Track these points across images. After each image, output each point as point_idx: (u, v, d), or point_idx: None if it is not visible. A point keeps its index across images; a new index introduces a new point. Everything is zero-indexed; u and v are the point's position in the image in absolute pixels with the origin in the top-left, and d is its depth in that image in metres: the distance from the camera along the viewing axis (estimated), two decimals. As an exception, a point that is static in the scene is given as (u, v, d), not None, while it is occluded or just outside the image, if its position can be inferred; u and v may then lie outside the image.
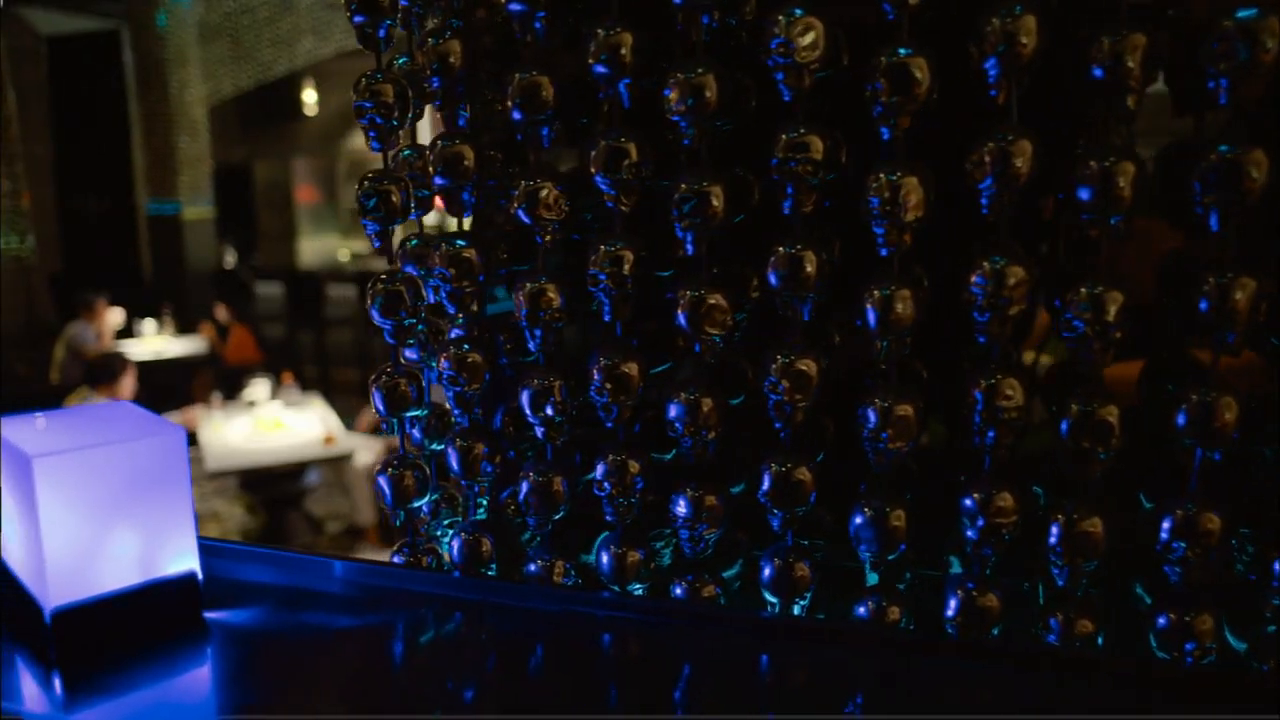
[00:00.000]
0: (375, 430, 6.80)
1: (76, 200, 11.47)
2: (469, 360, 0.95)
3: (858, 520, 0.85)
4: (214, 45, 10.27)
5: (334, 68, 12.00)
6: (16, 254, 9.87)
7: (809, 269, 0.79)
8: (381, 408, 1.01)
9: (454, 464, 0.98)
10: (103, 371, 6.01)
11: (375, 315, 1.00)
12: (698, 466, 0.88)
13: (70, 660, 0.82)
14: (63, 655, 0.82)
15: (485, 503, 1.01)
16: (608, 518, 0.92)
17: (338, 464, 6.30)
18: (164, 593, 0.86)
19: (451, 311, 0.96)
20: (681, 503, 0.89)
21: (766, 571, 0.89)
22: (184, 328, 9.11)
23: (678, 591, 0.93)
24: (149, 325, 8.76)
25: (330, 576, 0.96)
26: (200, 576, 0.88)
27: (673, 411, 0.87)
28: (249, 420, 6.29)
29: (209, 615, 0.90)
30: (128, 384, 6.09)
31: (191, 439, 8.26)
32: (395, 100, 0.96)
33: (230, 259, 11.33)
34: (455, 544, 1.00)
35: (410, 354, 1.04)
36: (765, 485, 0.85)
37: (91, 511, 0.80)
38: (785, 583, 0.88)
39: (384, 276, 1.00)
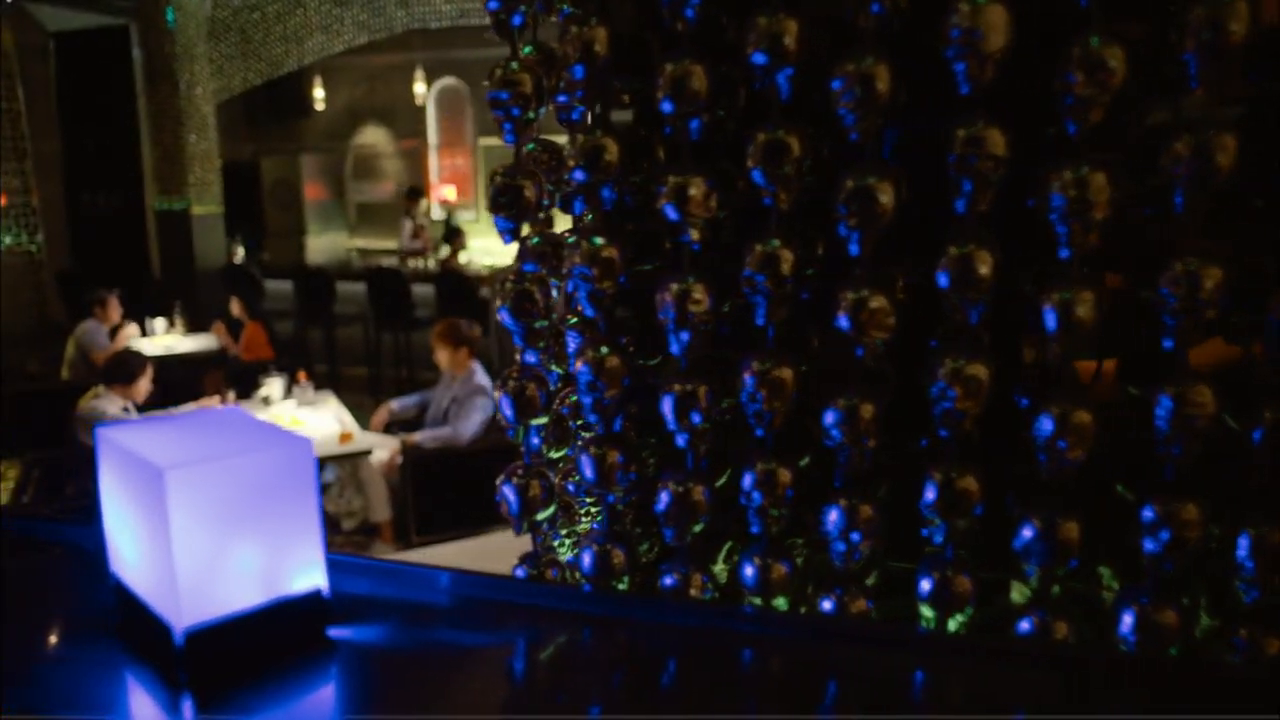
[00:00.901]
0: (387, 428, 6.77)
1: (85, 197, 11.42)
2: (608, 364, 0.91)
3: (1026, 533, 0.81)
4: (223, 42, 10.23)
5: (341, 64, 11.96)
6: (26, 251, 9.83)
7: (983, 270, 0.76)
8: (510, 413, 0.97)
9: (588, 472, 0.94)
10: (120, 370, 5.97)
11: (506, 317, 0.95)
12: (852, 475, 0.84)
13: (200, 683, 0.78)
14: (194, 677, 0.78)
15: (606, 513, 0.97)
16: (753, 529, 0.88)
17: (352, 461, 6.26)
18: (291, 610, 0.82)
19: (591, 314, 0.92)
20: (834, 512, 0.85)
21: (925, 585, 0.85)
22: (194, 325, 9.07)
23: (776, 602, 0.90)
24: (159, 323, 8.71)
25: (453, 591, 0.92)
26: (327, 592, 0.84)
27: (830, 418, 0.83)
28: (264, 418, 6.25)
29: (333, 632, 0.86)
30: (144, 383, 6.05)
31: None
32: (532, 91, 0.91)
33: (240, 254, 11.28)
34: (586, 556, 0.95)
35: (530, 358, 1.00)
36: (930, 495, 0.82)
37: (222, 526, 0.76)
38: (945, 596, 0.84)
39: (514, 276, 0.96)
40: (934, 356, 0.79)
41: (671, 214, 0.83)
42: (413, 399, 6.80)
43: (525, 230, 0.96)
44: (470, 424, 6.21)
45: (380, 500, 6.31)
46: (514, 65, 0.92)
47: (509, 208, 0.93)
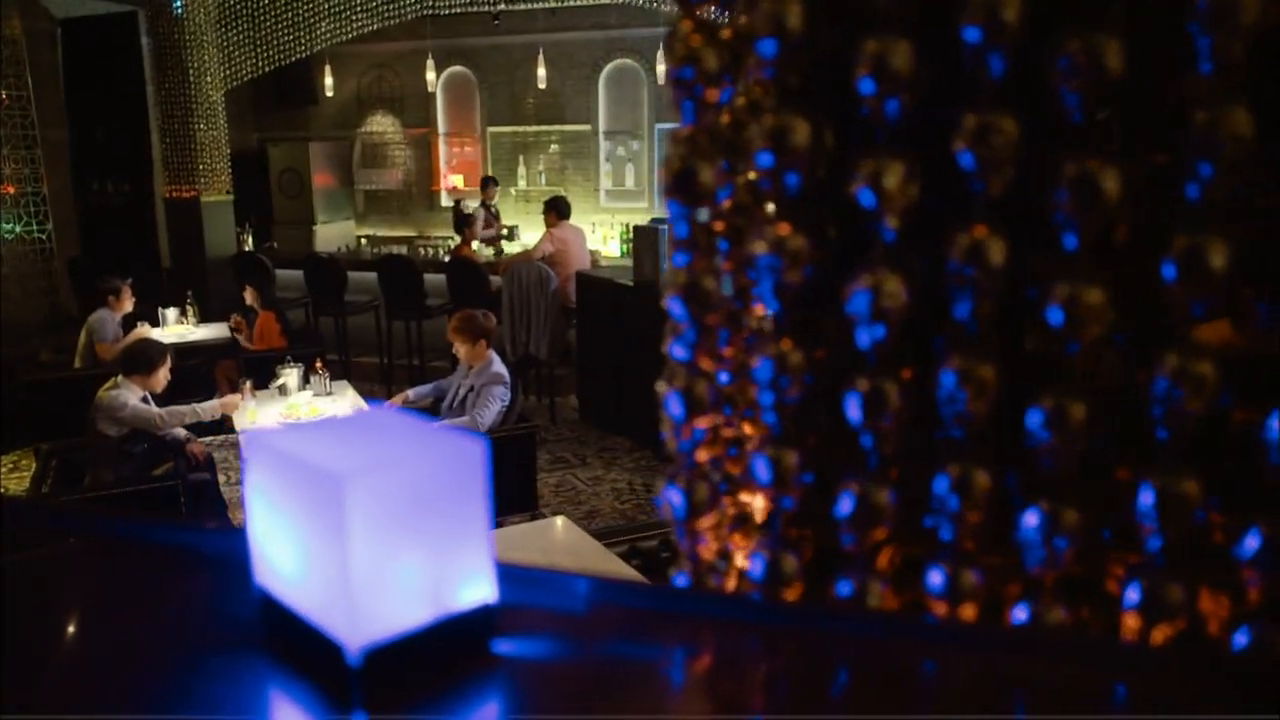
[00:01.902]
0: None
1: (93, 186, 11.38)
2: (791, 361, 0.86)
3: (1252, 543, 0.76)
4: (232, 29, 10.18)
5: (348, 51, 11.91)
6: (36, 240, 9.78)
7: (1217, 263, 0.71)
8: (680, 412, 0.92)
9: (762, 475, 0.89)
10: (139, 359, 5.93)
11: (678, 308, 0.90)
12: (1055, 479, 0.80)
13: (375, 706, 0.73)
14: (370, 700, 0.73)
15: (778, 517, 0.92)
16: (944, 536, 0.83)
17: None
18: (461, 624, 0.77)
19: (774, 308, 0.87)
20: (1033, 516, 0.81)
21: (1132, 595, 0.81)
22: (205, 314, 9.04)
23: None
24: (171, 312, 8.66)
25: (614, 600, 0.87)
26: (495, 604, 0.79)
27: (1035, 419, 0.78)
28: (282, 407, 6.21)
29: (498, 646, 0.81)
30: (163, 373, 6.02)
31: (229, 426, 8.18)
32: (721, 68, 0.86)
33: (249, 242, 11.23)
34: (756, 562, 0.90)
35: (679, 353, 0.94)
36: (1148, 500, 0.77)
37: (398, 537, 0.71)
38: (1157, 606, 0.80)
39: (687, 266, 0.91)
40: (1159, 357, 0.75)
41: (868, 201, 0.78)
42: (428, 387, 6.76)
43: (702, 217, 0.90)
44: (489, 412, 6.17)
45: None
46: (698, 39, 0.86)
47: (686, 192, 0.88)
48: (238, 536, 0.89)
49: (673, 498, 0.93)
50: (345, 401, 6.38)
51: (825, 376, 0.84)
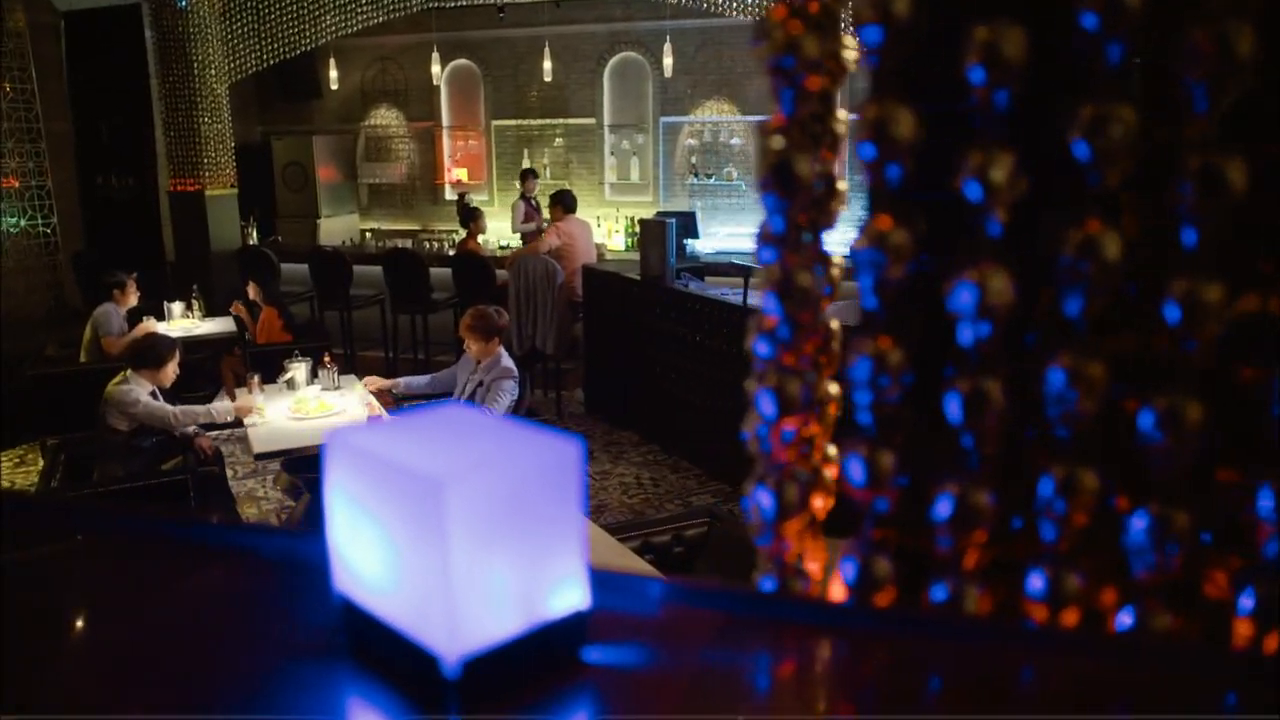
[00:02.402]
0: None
1: (97, 179, 11.34)
2: (891, 359, 0.83)
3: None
4: (236, 22, 10.13)
5: (351, 45, 11.86)
6: (41, 234, 9.75)
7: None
8: (772, 411, 0.89)
9: (857, 476, 0.86)
10: (148, 354, 5.90)
11: (772, 304, 0.87)
12: (1165, 482, 0.77)
13: (469, 717, 0.70)
14: (465, 711, 0.70)
15: (871, 520, 0.89)
16: (1046, 538, 0.81)
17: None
18: (555, 632, 0.74)
19: (873, 304, 0.84)
20: (1141, 519, 0.78)
21: (1246, 602, 0.78)
22: (210, 308, 9.01)
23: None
24: (176, 306, 8.64)
25: (699, 605, 0.84)
26: (588, 611, 0.77)
27: (1147, 420, 0.76)
28: (290, 402, 6.18)
29: (588, 654, 0.79)
30: (172, 367, 5.99)
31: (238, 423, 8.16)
32: (822, 54, 0.83)
33: (254, 236, 11.20)
34: (848, 567, 0.88)
35: (763, 349, 0.92)
36: (1268, 504, 0.75)
37: (497, 543, 0.68)
38: (1269, 613, 0.77)
39: (781, 260, 0.88)
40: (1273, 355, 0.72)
41: (975, 194, 0.76)
42: (423, 379, 6.73)
43: (797, 211, 0.87)
44: (499, 407, 6.14)
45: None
46: (798, 26, 0.83)
47: (782, 185, 0.85)
48: (311, 540, 0.86)
49: (762, 499, 0.90)
50: (354, 396, 6.35)
51: (922, 375, 0.82)
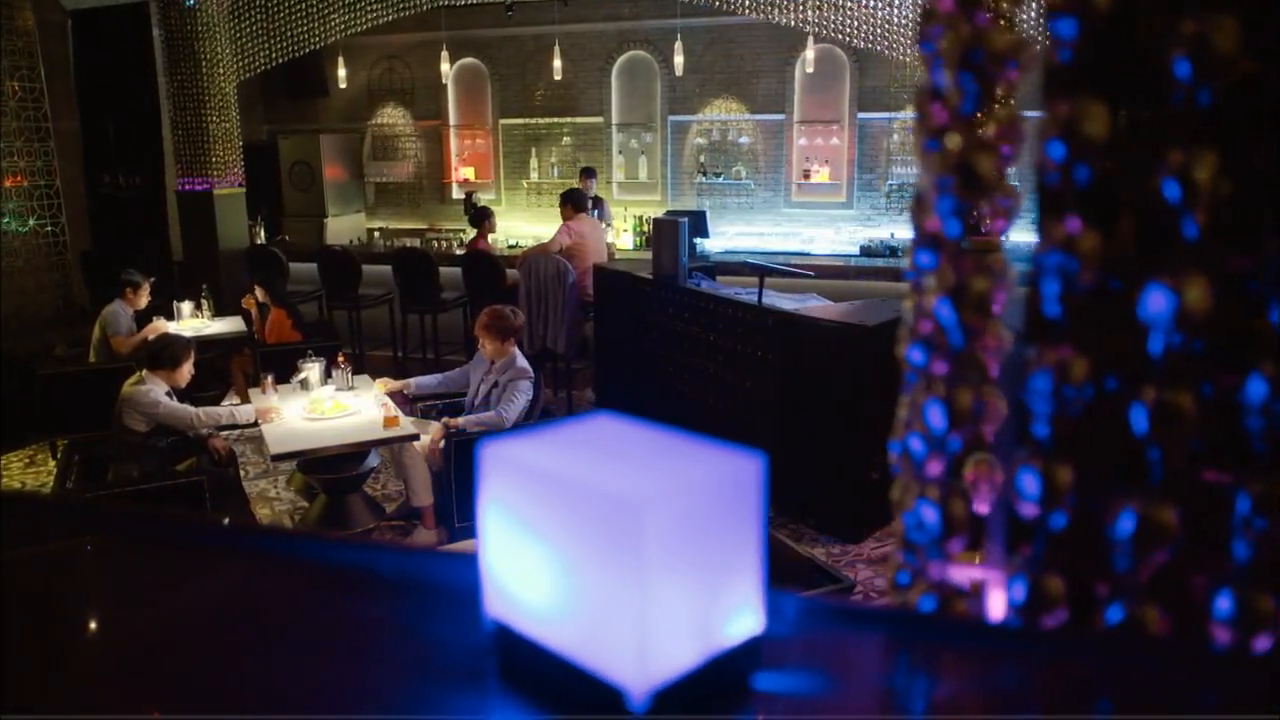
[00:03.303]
0: (424, 413, 6.67)
1: (104, 178, 11.28)
2: (1074, 370, 0.79)
3: None
4: (245, 20, 10.08)
5: (358, 43, 11.81)
6: (49, 233, 9.69)
7: None
8: (940, 423, 0.85)
9: (1030, 490, 0.81)
10: (164, 354, 5.87)
11: (944, 311, 0.83)
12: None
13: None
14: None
15: (1042, 537, 0.84)
16: (1240, 555, 0.77)
17: (391, 446, 6.15)
18: (733, 659, 0.70)
19: (1054, 311, 0.80)
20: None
21: None
22: (219, 308, 8.97)
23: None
24: (186, 306, 8.59)
25: (858, 625, 0.80)
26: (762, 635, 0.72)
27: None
28: (305, 402, 6.13)
29: (760, 681, 0.74)
30: (187, 368, 5.96)
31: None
32: (1010, 50, 0.79)
33: (261, 235, 11.15)
34: (1017, 586, 0.83)
35: (916, 356, 0.87)
36: None
37: (687, 566, 0.64)
38: None
39: (956, 267, 0.83)
40: None
41: (1173, 195, 0.71)
42: (434, 379, 6.69)
43: (978, 214, 0.83)
44: (514, 407, 6.11)
45: (423, 485, 6.21)
46: (983, 20, 0.79)
47: (964, 187, 0.81)
48: (456, 562, 0.82)
49: (927, 515, 0.85)
50: (368, 397, 6.30)
51: (1103, 386, 0.77)
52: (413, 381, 6.62)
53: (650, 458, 0.69)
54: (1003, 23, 0.77)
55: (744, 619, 0.69)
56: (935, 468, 0.86)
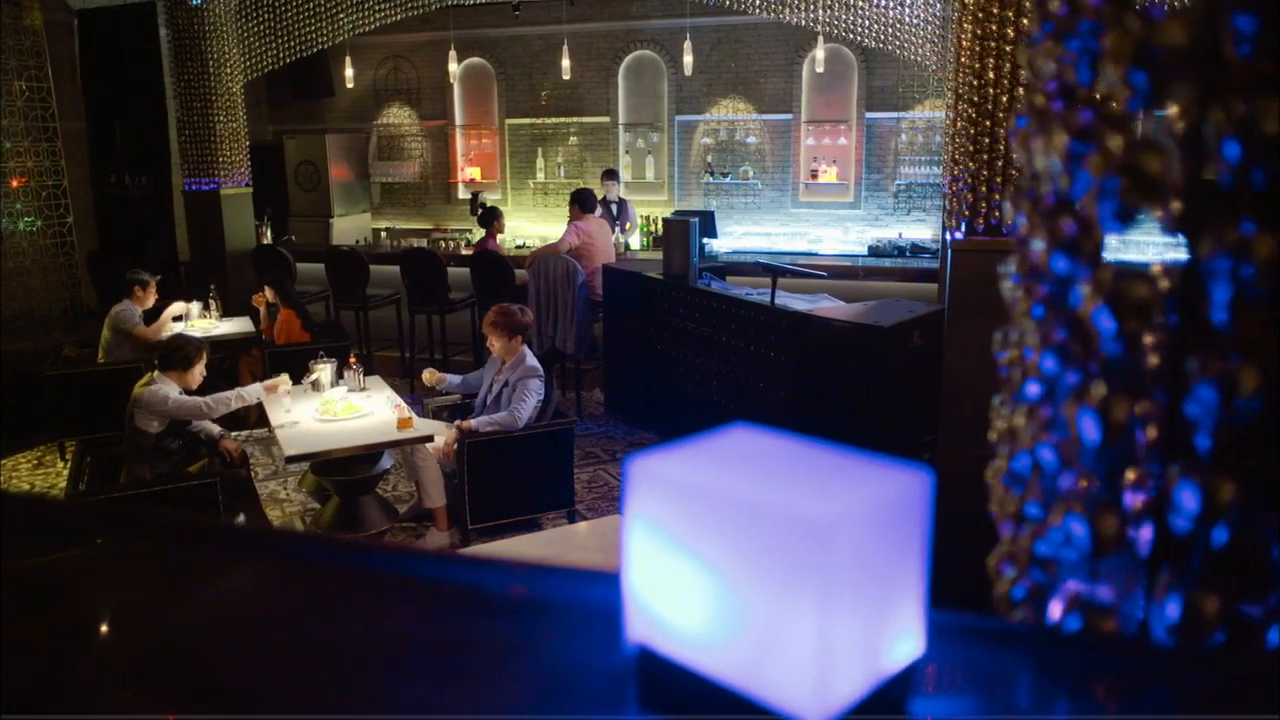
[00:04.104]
0: (436, 414, 6.65)
1: (111, 178, 11.25)
2: (1244, 381, 0.75)
3: None
4: (251, 20, 10.04)
5: (364, 43, 11.78)
6: (57, 233, 9.65)
7: None
8: (1095, 436, 0.81)
9: (1189, 505, 0.78)
10: (176, 355, 5.84)
11: (1106, 320, 0.79)
12: None
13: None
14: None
15: (1200, 554, 0.80)
16: None
17: (403, 448, 6.12)
18: (896, 685, 0.67)
19: (1222, 320, 0.76)
20: None
21: None
22: (227, 308, 8.95)
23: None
24: (194, 306, 8.56)
25: (1002, 644, 0.77)
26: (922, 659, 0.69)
27: None
28: (317, 403, 6.10)
29: (918, 707, 0.71)
30: (199, 369, 5.93)
31: (253, 421, 8.09)
32: (1192, 44, 0.75)
33: (268, 235, 11.12)
34: (1172, 605, 0.79)
35: (1049, 364, 0.84)
36: None
37: (862, 590, 0.60)
38: None
39: (1129, 270, 0.79)
40: None
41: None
42: (455, 379, 6.66)
43: (1153, 217, 0.79)
44: (526, 407, 6.09)
45: (435, 487, 6.18)
46: (1152, 17, 0.75)
47: (1142, 191, 0.77)
48: (575, 579, 0.79)
49: (1075, 529, 0.82)
50: (381, 398, 6.28)
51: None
52: (447, 378, 6.60)
53: (817, 474, 0.66)
54: (1175, 16, 0.74)
55: (908, 642, 0.66)
56: (1072, 480, 0.83)
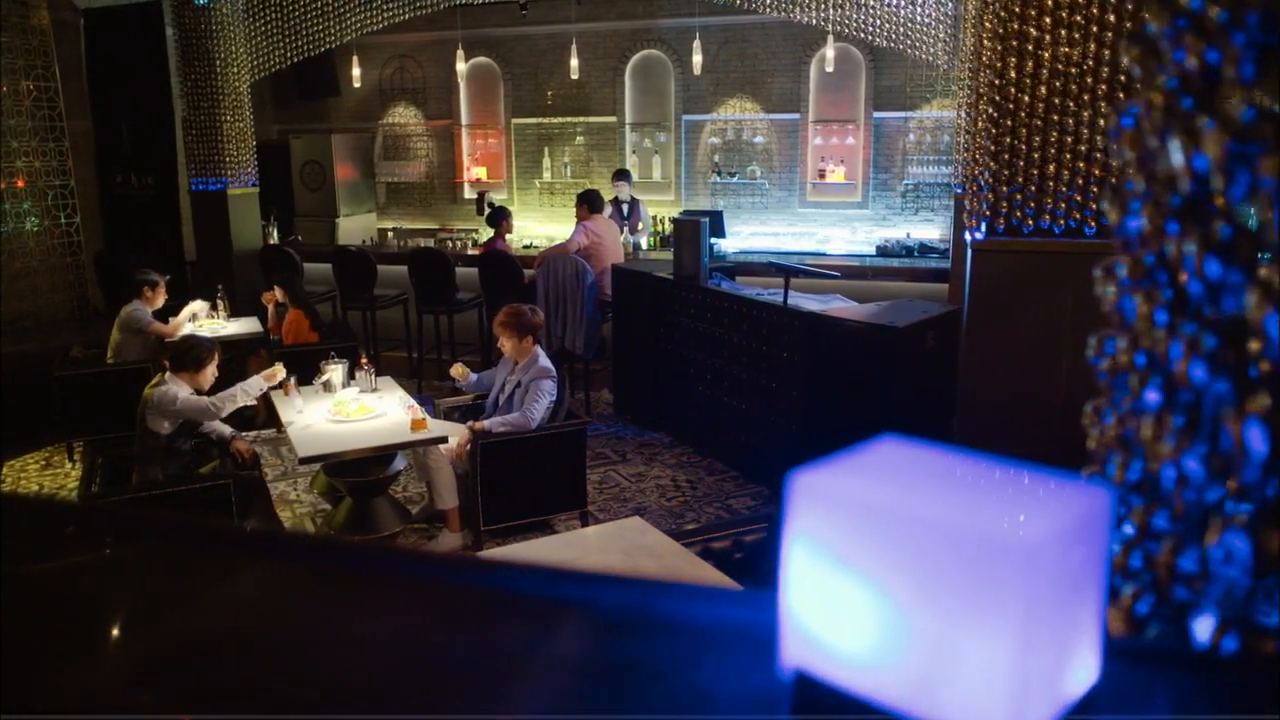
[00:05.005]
0: (448, 415, 6.62)
1: (116, 178, 11.22)
2: None
3: None
4: (259, 19, 10.01)
5: (370, 42, 11.75)
6: (65, 233, 9.63)
7: None
8: (1262, 447, 0.76)
9: None
10: (188, 356, 5.81)
11: (1274, 325, 0.75)
12: None
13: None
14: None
15: None
16: None
17: (416, 447, 6.09)
18: (1076, 712, 0.64)
19: None
20: None
21: None
22: (234, 309, 8.93)
23: None
24: (196, 303, 8.54)
25: (1161, 668, 0.74)
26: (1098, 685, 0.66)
27: None
28: (329, 404, 6.07)
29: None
30: (211, 370, 5.90)
31: (260, 421, 8.06)
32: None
33: (274, 235, 11.09)
34: None
35: (1199, 372, 0.80)
36: None
37: (1055, 615, 0.57)
38: None
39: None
40: None
41: None
42: (473, 378, 6.62)
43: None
44: (539, 408, 6.06)
45: (448, 488, 6.15)
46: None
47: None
48: (713, 599, 0.76)
49: (1236, 546, 0.77)
50: (394, 399, 6.24)
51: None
52: (472, 376, 6.57)
53: (997, 492, 0.62)
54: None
55: (1086, 668, 0.63)
56: (1220, 493, 0.79)
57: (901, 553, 0.59)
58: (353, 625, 0.78)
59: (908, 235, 10.85)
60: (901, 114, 11.02)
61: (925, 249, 10.36)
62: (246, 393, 6.00)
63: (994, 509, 0.58)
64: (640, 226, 10.55)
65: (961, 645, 0.57)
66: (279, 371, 6.09)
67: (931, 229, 10.99)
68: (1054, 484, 0.62)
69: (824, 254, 10.63)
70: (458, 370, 6.44)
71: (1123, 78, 4.56)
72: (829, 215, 11.43)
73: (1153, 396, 0.84)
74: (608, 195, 10.07)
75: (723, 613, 0.73)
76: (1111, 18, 4.45)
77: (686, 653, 0.72)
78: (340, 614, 0.81)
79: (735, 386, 7.24)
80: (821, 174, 11.42)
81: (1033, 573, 0.54)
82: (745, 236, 11.52)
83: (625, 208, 10.54)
